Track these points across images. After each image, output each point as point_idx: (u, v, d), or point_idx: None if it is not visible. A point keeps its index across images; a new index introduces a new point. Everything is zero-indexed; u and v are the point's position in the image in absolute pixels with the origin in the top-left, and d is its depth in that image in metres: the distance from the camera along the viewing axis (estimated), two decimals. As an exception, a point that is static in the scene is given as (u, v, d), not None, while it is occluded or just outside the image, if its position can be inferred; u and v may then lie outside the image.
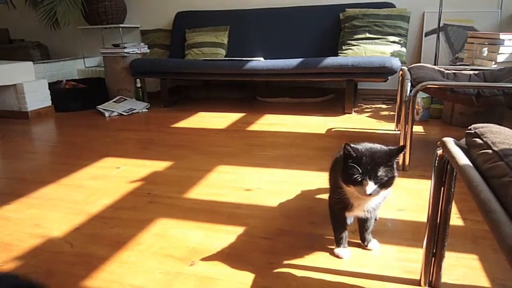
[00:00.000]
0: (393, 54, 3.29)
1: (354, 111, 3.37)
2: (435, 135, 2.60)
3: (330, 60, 3.10)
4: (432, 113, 3.00)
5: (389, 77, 3.07)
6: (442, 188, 1.02)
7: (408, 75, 2.12)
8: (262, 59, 3.43)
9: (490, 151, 0.75)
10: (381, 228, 1.45)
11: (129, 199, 1.79)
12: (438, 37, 3.37)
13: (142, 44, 4.08)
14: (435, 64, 3.40)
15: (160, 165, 2.21)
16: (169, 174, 2.08)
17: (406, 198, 1.70)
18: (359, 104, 3.62)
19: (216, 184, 1.92)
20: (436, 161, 0.97)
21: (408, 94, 1.89)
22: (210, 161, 2.24)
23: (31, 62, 3.63)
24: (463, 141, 0.93)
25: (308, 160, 2.20)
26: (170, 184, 1.94)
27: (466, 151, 0.85)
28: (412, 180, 1.88)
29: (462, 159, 0.78)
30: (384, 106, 3.55)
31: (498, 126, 0.86)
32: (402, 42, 3.39)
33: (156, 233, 1.49)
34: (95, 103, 3.74)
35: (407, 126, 1.95)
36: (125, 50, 3.77)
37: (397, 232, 1.43)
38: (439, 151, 0.94)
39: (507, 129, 0.85)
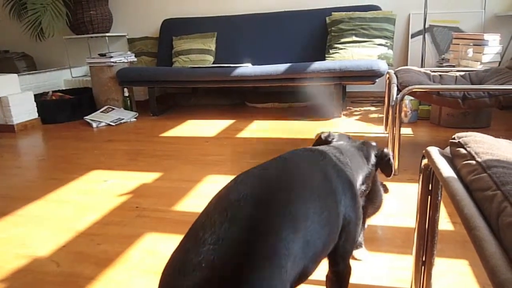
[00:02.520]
0: (380, 57, 3.30)
1: (343, 114, 3.38)
2: (424, 137, 2.61)
3: (317, 65, 3.11)
4: (421, 114, 3.01)
5: (377, 80, 3.08)
6: (429, 196, 1.01)
7: (394, 79, 2.12)
8: (249, 65, 3.42)
9: (473, 162, 0.74)
10: (371, 236, 1.44)
11: (117, 214, 1.76)
12: (424, 38, 3.39)
13: (129, 52, 4.05)
14: (421, 66, 3.42)
15: (148, 177, 2.18)
16: (157, 186, 2.06)
17: (396, 203, 1.70)
18: (348, 107, 3.63)
19: (206, 194, 1.90)
20: (422, 170, 0.96)
21: (394, 99, 1.89)
22: (200, 171, 2.22)
23: (15, 74, 3.59)
24: (448, 149, 0.93)
25: (298, 167, 2.19)
26: (159, 197, 1.91)
27: (451, 161, 0.84)
28: (402, 184, 1.88)
29: (446, 170, 0.77)
30: (373, 108, 3.55)
31: (481, 134, 0.85)
32: (388, 44, 3.41)
33: (144, 249, 1.46)
34: (82, 114, 3.70)
35: (394, 129, 1.95)
36: (112, 60, 3.74)
37: (387, 240, 1.42)
38: (424, 161, 0.94)
39: (490, 137, 0.84)
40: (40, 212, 1.83)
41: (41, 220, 1.76)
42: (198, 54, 4.02)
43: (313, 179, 0.83)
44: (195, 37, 4.12)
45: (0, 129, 3.49)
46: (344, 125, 3.02)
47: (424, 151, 0.95)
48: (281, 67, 3.19)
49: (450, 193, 0.70)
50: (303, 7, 3.93)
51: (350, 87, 4.03)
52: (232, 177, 1.91)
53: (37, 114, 3.69)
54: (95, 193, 2.01)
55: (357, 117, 3.27)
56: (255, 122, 3.29)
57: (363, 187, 1.13)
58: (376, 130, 2.82)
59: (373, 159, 1.14)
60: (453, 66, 2.95)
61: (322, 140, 1.21)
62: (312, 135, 2.78)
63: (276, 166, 0.85)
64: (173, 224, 1.63)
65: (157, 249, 1.46)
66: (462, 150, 0.81)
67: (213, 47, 4.06)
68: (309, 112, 3.51)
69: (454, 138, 0.88)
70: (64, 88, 4.41)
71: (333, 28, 3.62)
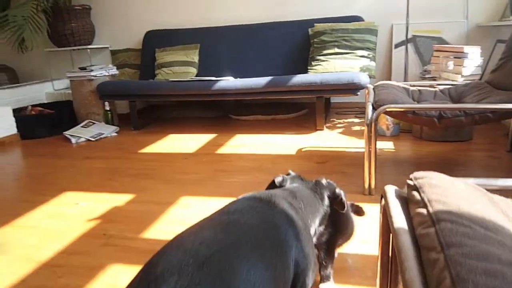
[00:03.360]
0: (362, 69, 3.27)
1: (326, 127, 3.34)
2: (405, 152, 2.57)
3: (298, 78, 3.07)
4: (403, 127, 2.98)
5: (358, 93, 3.04)
6: (391, 233, 0.96)
7: (371, 97, 2.08)
8: (231, 78, 3.38)
9: (425, 211, 0.69)
10: (340, 265, 1.39)
11: (83, 242, 1.70)
12: (406, 49, 3.37)
13: (110, 65, 3.99)
14: (405, 76, 3.39)
15: (121, 199, 2.12)
16: (129, 209, 1.99)
17: (371, 228, 1.65)
18: (331, 119, 3.59)
19: (176, 220, 1.84)
20: (382, 210, 0.91)
21: (369, 118, 1.84)
22: (174, 192, 2.16)
23: (-7, 90, 3.51)
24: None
25: (275, 187, 2.14)
26: (128, 222, 1.85)
27: (407, 205, 0.79)
28: (376, 206, 1.84)
29: (397, 219, 0.72)
30: (356, 120, 3.52)
31: (439, 176, 0.81)
32: (371, 56, 3.38)
33: (106, 283, 1.40)
34: (63, 128, 3.63)
35: (370, 148, 1.91)
36: (92, 73, 3.68)
37: (357, 270, 1.37)
38: (383, 201, 0.89)
39: (447, 179, 0.80)
40: (5, 240, 1.76)
41: (4, 248, 1.69)
42: (180, 66, 3.97)
43: (258, 234, 0.78)
44: (177, 49, 4.07)
45: (-23, 146, 3.41)
46: (326, 139, 2.97)
47: (382, 192, 0.90)
48: (262, 81, 3.15)
49: (397, 248, 0.66)
50: (286, 18, 3.90)
51: (335, 98, 4.00)
52: (206, 198, 1.85)
53: (16, 130, 3.61)
54: (65, 218, 1.95)
55: (340, 129, 3.24)
56: (237, 136, 3.23)
57: (321, 228, 1.08)
58: (357, 145, 2.78)
59: (326, 200, 1.11)
60: (435, 79, 2.92)
61: (276, 185, 1.17)
62: (294, 151, 2.74)
63: (216, 227, 0.79)
64: (139, 254, 1.57)
65: (119, 283, 1.39)
66: (416, 195, 0.76)
67: (196, 59, 4.01)
68: (292, 125, 3.47)
69: (410, 179, 0.84)
70: (45, 102, 4.34)
71: (315, 40, 3.59)
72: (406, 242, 0.65)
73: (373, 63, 3.36)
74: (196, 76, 3.89)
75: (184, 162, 2.67)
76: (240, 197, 0.98)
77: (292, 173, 1.26)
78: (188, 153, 2.85)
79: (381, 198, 0.90)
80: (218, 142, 3.09)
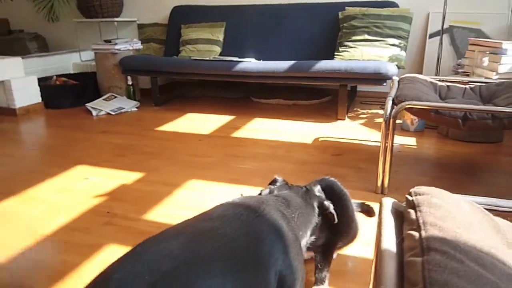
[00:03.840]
0: (391, 58, 3.11)
1: (348, 116, 3.22)
2: (427, 151, 2.44)
3: (322, 64, 2.95)
4: (428, 122, 2.83)
5: (384, 84, 2.90)
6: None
7: (394, 90, 1.97)
8: (253, 60, 3.30)
9: (417, 235, 0.62)
10: (339, 268, 1.33)
11: (86, 219, 1.71)
12: (441, 40, 3.17)
13: (135, 40, 3.98)
14: (437, 69, 3.21)
15: (130, 177, 2.12)
16: (136, 188, 1.99)
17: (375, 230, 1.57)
18: (355, 109, 3.46)
19: (180, 203, 1.82)
20: (378, 220, 0.84)
21: (387, 114, 1.74)
22: (183, 174, 2.14)
23: (19, 58, 3.56)
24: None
25: (285, 177, 2.06)
26: (133, 201, 1.84)
27: (401, 224, 0.72)
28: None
29: (386, 240, 0.65)
30: (381, 111, 3.38)
31: (443, 194, 0.73)
32: (402, 45, 3.21)
33: (102, 262, 1.40)
34: (86, 100, 3.66)
35: (387, 144, 1.81)
36: (116, 47, 3.67)
37: (356, 275, 1.31)
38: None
39: (453, 199, 0.72)
40: (12, 210, 1.79)
41: (10, 219, 1.71)
42: (205, 44, 3.91)
43: (235, 248, 0.73)
44: (203, 26, 4.00)
45: (2, 112, 3.50)
46: (346, 129, 2.87)
47: (379, 203, 0.83)
48: (284, 64, 3.05)
49: (378, 274, 0.59)
50: (317, 0, 3.74)
51: (362, 86, 3.85)
52: (213, 183, 1.81)
53: (40, 99, 3.68)
54: (72, 192, 1.96)
55: (363, 121, 3.12)
56: (255, 120, 3.17)
57: (312, 238, 1.02)
58: (378, 138, 2.66)
59: (317, 210, 1.04)
60: (467, 75, 2.74)
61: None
62: (310, 140, 2.65)
63: (191, 235, 0.74)
64: (138, 235, 1.56)
65: (113, 265, 1.38)
66: (412, 214, 0.69)
67: (221, 37, 3.93)
68: (313, 112, 3.37)
69: (410, 194, 0.76)
70: (72, 72, 4.39)
71: (345, 24, 3.44)
72: (388, 272, 0.58)
73: (403, 53, 3.19)
74: (220, 55, 3.82)
75: (197, 143, 2.64)
76: (228, 200, 0.93)
77: (279, 179, 1.20)
78: (203, 135, 2.82)
79: (380, 206, 0.83)
80: (235, 125, 3.03)
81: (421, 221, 0.65)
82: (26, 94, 3.55)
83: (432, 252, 0.56)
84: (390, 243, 0.65)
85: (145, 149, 2.55)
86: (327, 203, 1.09)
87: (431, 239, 0.59)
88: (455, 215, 0.65)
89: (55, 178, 2.13)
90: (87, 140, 2.77)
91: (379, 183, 1.86)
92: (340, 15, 3.52)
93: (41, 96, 3.68)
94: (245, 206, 0.85)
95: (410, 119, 2.77)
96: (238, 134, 2.82)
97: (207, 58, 3.38)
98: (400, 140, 2.62)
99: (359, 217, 1.59)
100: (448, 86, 2.17)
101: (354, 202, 1.65)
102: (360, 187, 1.94)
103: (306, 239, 0.99)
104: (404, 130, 2.83)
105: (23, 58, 3.67)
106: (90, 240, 1.54)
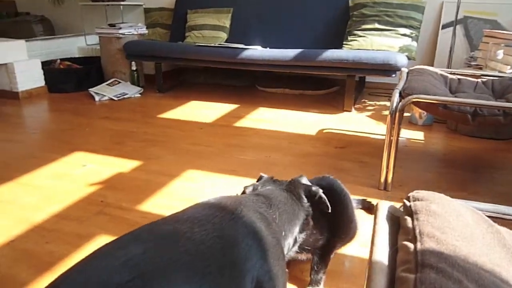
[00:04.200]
0: (401, 49, 3.01)
1: (355, 108, 3.13)
2: (434, 146, 2.36)
3: (329, 53, 2.86)
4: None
5: (394, 75, 2.81)
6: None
7: (402, 82, 1.88)
8: (259, 47, 3.21)
9: (412, 247, 0.56)
10: (335, 268, 1.28)
11: (79, 207, 1.67)
12: (454, 30, 3.06)
13: (140, 24, 3.91)
14: (449, 61, 3.10)
15: (128, 165, 2.07)
16: (132, 177, 1.94)
17: (378, 228, 1.51)
18: (363, 100, 3.37)
19: (176, 194, 1.77)
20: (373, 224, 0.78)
21: (393, 107, 1.66)
22: (181, 164, 2.09)
23: (23, 41, 3.52)
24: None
25: (284, 170, 2.02)
26: (128, 190, 1.80)
27: (397, 230, 0.66)
28: (392, 203, 1.68)
29: (377, 251, 0.59)
30: (389, 103, 3.27)
31: (443, 199, 0.66)
32: (413, 35, 3.10)
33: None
34: (90, 84, 3.62)
35: (392, 138, 1.73)
36: (120, 31, 3.60)
37: (352, 276, 1.25)
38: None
39: (454, 206, 0.65)
40: (6, 197, 1.76)
41: (3, 206, 1.68)
42: (211, 30, 3.83)
43: (205, 254, 0.67)
44: (210, 12, 3.91)
45: (5, 96, 3.47)
46: (352, 121, 2.79)
47: (375, 205, 0.77)
48: (290, 53, 2.96)
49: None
50: (326, -13, 3.62)
51: (371, 77, 3.75)
52: (210, 174, 1.75)
53: (43, 82, 3.64)
54: (68, 179, 1.92)
55: (370, 112, 3.03)
56: (260, 109, 3.10)
57: (302, 235, 0.96)
58: (384, 132, 2.58)
59: (305, 201, 0.97)
60: (480, 68, 2.64)
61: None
62: (314, 131, 2.58)
63: (154, 240, 0.68)
64: (129, 226, 1.52)
65: (102, 257, 1.34)
66: (409, 222, 0.62)
67: (227, 23, 3.85)
68: (319, 103, 3.29)
69: (408, 198, 0.69)
70: (77, 56, 4.35)
71: (355, 13, 3.33)
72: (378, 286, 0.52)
73: (414, 44, 3.08)
74: (226, 41, 3.74)
75: (198, 132, 2.58)
76: (203, 200, 0.87)
77: (264, 176, 1.14)
78: (204, 123, 2.76)
79: (375, 210, 0.77)
80: (238, 114, 2.97)
81: (417, 230, 0.58)
82: (29, 78, 3.51)
83: (426, 269, 0.50)
84: (382, 253, 0.59)
85: (146, 136, 2.50)
86: (315, 188, 1.02)
87: (427, 253, 0.53)
88: (455, 226, 0.59)
89: (52, 164, 2.10)
90: (88, 125, 2.73)
91: (382, 179, 1.79)
92: (350, 2, 3.41)
93: (45, 79, 3.64)
94: (220, 207, 0.79)
95: (418, 113, 2.68)
96: (240, 123, 2.76)
97: (212, 45, 3.30)
98: (407, 134, 2.54)
99: (359, 215, 1.53)
100: (459, 79, 2.08)
101: (355, 198, 1.59)
102: (363, 182, 1.88)
103: (293, 237, 0.93)
104: (412, 123, 2.75)
105: (26, 41, 3.63)
106: (80, 230, 1.50)
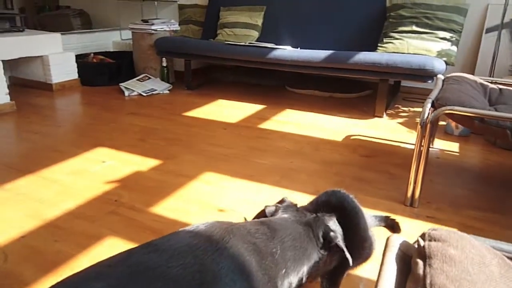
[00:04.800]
0: (440, 53, 2.83)
1: (388, 114, 2.99)
2: (471, 158, 2.20)
3: (362, 56, 2.73)
4: (476, 128, 2.55)
5: (429, 81, 2.64)
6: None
7: (435, 91, 1.75)
8: (289, 47, 3.12)
9: (419, 301, 0.47)
10: (348, 292, 1.18)
11: (93, 206, 1.65)
12: (499, 35, 2.85)
13: (172, 20, 3.90)
14: (491, 68, 2.90)
15: (146, 164, 2.05)
16: (149, 176, 1.92)
17: (400, 249, 1.40)
18: (396, 106, 3.21)
19: (191, 197, 1.73)
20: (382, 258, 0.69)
21: (424, 118, 1.54)
22: (199, 165, 2.04)
23: (58, 34, 3.59)
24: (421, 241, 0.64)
25: (306, 178, 1.93)
26: (143, 191, 1.77)
27: (407, 273, 0.57)
28: (417, 222, 1.56)
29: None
30: (424, 111, 3.11)
31: (466, 241, 0.56)
32: (453, 39, 2.91)
33: (96, 257, 1.33)
34: (121, 79, 3.65)
35: (422, 150, 1.61)
36: (153, 27, 3.61)
37: (366, 302, 1.15)
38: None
39: (477, 251, 0.55)
40: (24, 190, 1.78)
41: (20, 198, 1.70)
42: (242, 29, 3.76)
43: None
44: (243, 10, 3.85)
45: (40, 87, 3.56)
46: (382, 128, 2.65)
47: (386, 239, 0.68)
48: (321, 54, 2.86)
49: None
50: (363, -14, 3.47)
51: (405, 81, 3.57)
52: (228, 178, 1.69)
53: (77, 75, 3.71)
54: (86, 176, 1.92)
55: (402, 119, 2.88)
56: (286, 111, 3.02)
57: (304, 279, 0.86)
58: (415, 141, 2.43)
59: (321, 242, 0.87)
60: (526, 76, 2.43)
61: (266, 216, 0.96)
62: (341, 137, 2.47)
63: (116, 277, 0.61)
64: (139, 229, 1.48)
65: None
66: (420, 268, 0.53)
67: (259, 22, 3.77)
68: (350, 107, 3.16)
69: (423, 236, 0.60)
70: (112, 50, 4.41)
71: (392, 14, 3.17)
72: None
73: (454, 48, 2.89)
74: (257, 40, 3.67)
75: (221, 132, 2.53)
76: (192, 226, 0.79)
77: (287, 201, 1.04)
78: (229, 123, 2.71)
79: (385, 246, 0.67)
80: (264, 115, 2.90)
81: (428, 280, 0.49)
82: (63, 70, 3.59)
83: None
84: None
85: (168, 134, 2.48)
86: (333, 234, 0.91)
87: (435, 313, 0.44)
88: (475, 279, 0.49)
89: (73, 159, 2.11)
90: (113, 121, 2.74)
91: (409, 194, 1.67)
92: (388, 3, 3.25)
93: (78, 73, 3.70)
94: (206, 236, 0.72)
95: (454, 122, 2.51)
96: (265, 125, 2.69)
97: (242, 43, 3.25)
98: (441, 144, 2.38)
99: (379, 232, 1.42)
100: (500, 89, 1.91)
101: (377, 215, 1.49)
102: (388, 196, 1.76)
103: (298, 277, 0.83)
104: (447, 133, 2.58)
105: (62, 34, 3.70)
106: (90, 230, 1.48)
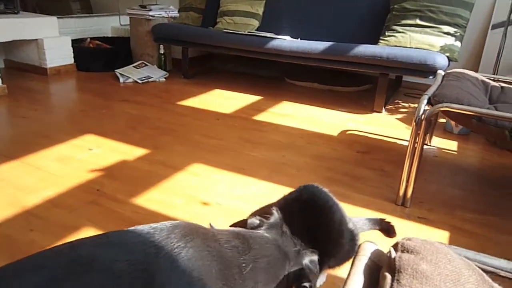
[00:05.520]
0: (443, 48, 2.75)
1: (387, 109, 2.91)
2: (469, 158, 2.13)
3: (362, 49, 2.65)
4: (477, 126, 2.47)
5: (430, 76, 2.57)
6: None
7: (433, 87, 1.68)
8: (288, 37, 3.04)
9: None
10: (329, 295, 1.13)
11: (74, 194, 1.60)
12: (505, 31, 2.76)
13: (171, 7, 3.82)
14: (495, 65, 2.81)
15: (133, 153, 2.00)
16: (135, 166, 1.86)
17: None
18: (396, 101, 3.14)
19: (176, 188, 1.67)
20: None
21: (419, 114, 1.47)
22: (188, 156, 1.99)
23: (54, 17, 3.52)
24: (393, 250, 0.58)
25: (297, 172, 1.87)
26: (127, 181, 1.72)
27: (374, 285, 0.51)
28: (407, 223, 1.50)
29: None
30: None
31: (440, 254, 0.50)
32: (458, 34, 2.82)
33: (71, 248, 1.28)
34: (117, 65, 3.58)
35: (416, 148, 1.54)
36: (150, 13, 3.54)
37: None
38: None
39: (450, 264, 0.49)
40: (6, 176, 1.73)
41: (1, 185, 1.65)
42: (243, 17, 3.68)
43: (120, 284, 0.54)
44: (243, -2, 3.75)
45: (35, 71, 3.50)
46: (380, 124, 2.59)
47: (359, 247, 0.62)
48: (320, 46, 2.78)
49: None
50: (367, -23, 3.37)
51: (407, 76, 3.49)
52: (216, 170, 1.62)
53: (72, 60, 3.64)
54: (71, 163, 1.87)
55: (401, 115, 2.81)
56: (283, 103, 2.95)
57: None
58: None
59: (292, 279, 0.79)
60: (530, 75, 2.35)
61: (249, 227, 0.89)
62: (337, 132, 2.41)
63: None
64: (118, 221, 1.43)
65: (81, 252, 1.27)
66: (387, 282, 0.47)
67: (260, 11, 3.68)
68: (348, 100, 3.09)
69: (396, 247, 0.54)
70: (110, 35, 4.34)
71: (395, 6, 3.08)
72: None
73: (458, 44, 2.80)
74: (257, 29, 3.58)
75: (214, 123, 2.47)
76: (154, 224, 0.72)
77: (275, 216, 0.94)
78: (222, 113, 2.65)
79: (356, 253, 0.62)
80: (259, 107, 2.83)
81: (393, 299, 0.43)
82: (58, 55, 3.52)
83: None
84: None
85: (159, 123, 2.42)
86: (307, 285, 0.82)
87: None
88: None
89: (59, 146, 2.06)
90: (105, 107, 2.68)
91: (401, 193, 1.61)
92: (392, -5, 3.15)
93: (74, 57, 3.64)
94: (165, 234, 0.65)
95: (454, 120, 2.44)
96: (260, 117, 2.62)
97: (240, 32, 3.17)
98: (439, 142, 2.31)
99: (372, 236, 1.37)
100: (502, 87, 1.84)
101: (371, 218, 1.43)
102: (380, 194, 1.70)
103: None
104: (446, 131, 2.51)
105: (59, 18, 3.63)
106: (68, 220, 1.43)
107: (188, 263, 0.62)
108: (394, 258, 0.51)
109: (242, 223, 0.95)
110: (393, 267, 0.50)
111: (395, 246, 0.55)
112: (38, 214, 1.46)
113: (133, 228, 0.70)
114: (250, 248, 0.73)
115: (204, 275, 0.63)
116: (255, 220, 0.92)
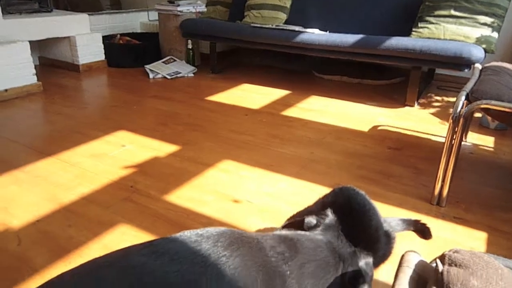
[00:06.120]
0: (479, 40, 2.64)
1: (420, 103, 2.83)
2: (507, 155, 2.05)
3: (393, 41, 2.58)
4: (515, 121, 2.37)
5: (466, 70, 2.47)
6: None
7: (471, 82, 1.61)
8: (316, 31, 3.00)
9: None
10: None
11: (108, 191, 1.64)
12: (548, 21, 2.62)
13: (199, 2, 3.83)
14: (536, 56, 2.68)
15: (165, 149, 2.02)
16: (167, 163, 1.89)
17: (425, 252, 1.31)
18: (429, 94, 3.04)
19: (207, 185, 1.69)
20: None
21: (457, 112, 1.42)
22: (218, 152, 2.00)
23: (86, 14, 3.60)
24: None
25: (327, 170, 1.85)
26: (159, 177, 1.75)
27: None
28: (443, 223, 1.46)
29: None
30: (459, 101, 2.93)
31: (489, 268, 0.48)
32: (495, 25, 2.70)
33: (107, 244, 1.32)
34: (147, 61, 3.63)
35: (453, 146, 1.49)
36: (178, 8, 3.55)
37: (381, 309, 1.08)
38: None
39: (500, 282, 0.47)
40: (42, 172, 1.79)
41: (38, 181, 1.71)
42: (270, 10, 3.65)
43: None
44: (271, -9, 3.72)
45: (67, 67, 3.59)
46: (412, 118, 2.52)
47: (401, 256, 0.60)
48: (350, 39, 2.72)
49: None
50: (399, -34, 3.27)
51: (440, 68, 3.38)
52: (246, 167, 1.62)
53: (103, 56, 3.72)
54: (105, 160, 1.91)
55: (435, 109, 2.72)
56: (311, 97, 2.92)
57: None
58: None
59: (346, 282, 0.78)
60: None
61: (303, 228, 0.88)
62: (368, 127, 2.36)
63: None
64: (153, 218, 1.46)
65: (116, 247, 1.29)
66: (435, 298, 0.46)
67: (288, 3, 3.64)
68: (379, 94, 3.02)
69: (443, 259, 0.52)
70: (139, 31, 4.40)
71: (429, -4, 2.97)
72: None
73: (495, 35, 2.68)
74: (285, 23, 3.55)
75: (243, 119, 2.47)
76: (197, 230, 0.72)
77: (331, 216, 0.93)
78: (251, 109, 2.64)
79: (399, 264, 0.60)
80: (288, 102, 2.81)
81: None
82: (90, 51, 3.60)
83: None
84: None
85: (188, 119, 2.44)
86: (364, 272, 0.81)
87: None
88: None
89: (93, 142, 2.11)
90: (136, 103, 2.73)
91: (436, 192, 1.57)
92: (425, -16, 3.04)
93: (105, 54, 3.71)
94: (211, 243, 0.65)
95: (491, 115, 2.34)
96: (288, 112, 2.60)
97: (268, 26, 3.14)
98: (474, 138, 2.23)
99: (406, 237, 1.34)
100: (545, 81, 1.74)
101: (405, 219, 1.40)
102: (413, 193, 1.66)
103: None
104: (482, 126, 2.42)
105: (90, 15, 3.70)
106: (104, 217, 1.47)
107: (234, 273, 0.62)
108: (442, 272, 0.49)
109: (298, 223, 0.95)
110: (441, 282, 0.48)
111: (442, 258, 0.53)
112: (75, 210, 1.51)
113: (178, 235, 0.70)
114: (298, 252, 0.73)
115: (249, 285, 0.63)
116: (313, 220, 0.92)
